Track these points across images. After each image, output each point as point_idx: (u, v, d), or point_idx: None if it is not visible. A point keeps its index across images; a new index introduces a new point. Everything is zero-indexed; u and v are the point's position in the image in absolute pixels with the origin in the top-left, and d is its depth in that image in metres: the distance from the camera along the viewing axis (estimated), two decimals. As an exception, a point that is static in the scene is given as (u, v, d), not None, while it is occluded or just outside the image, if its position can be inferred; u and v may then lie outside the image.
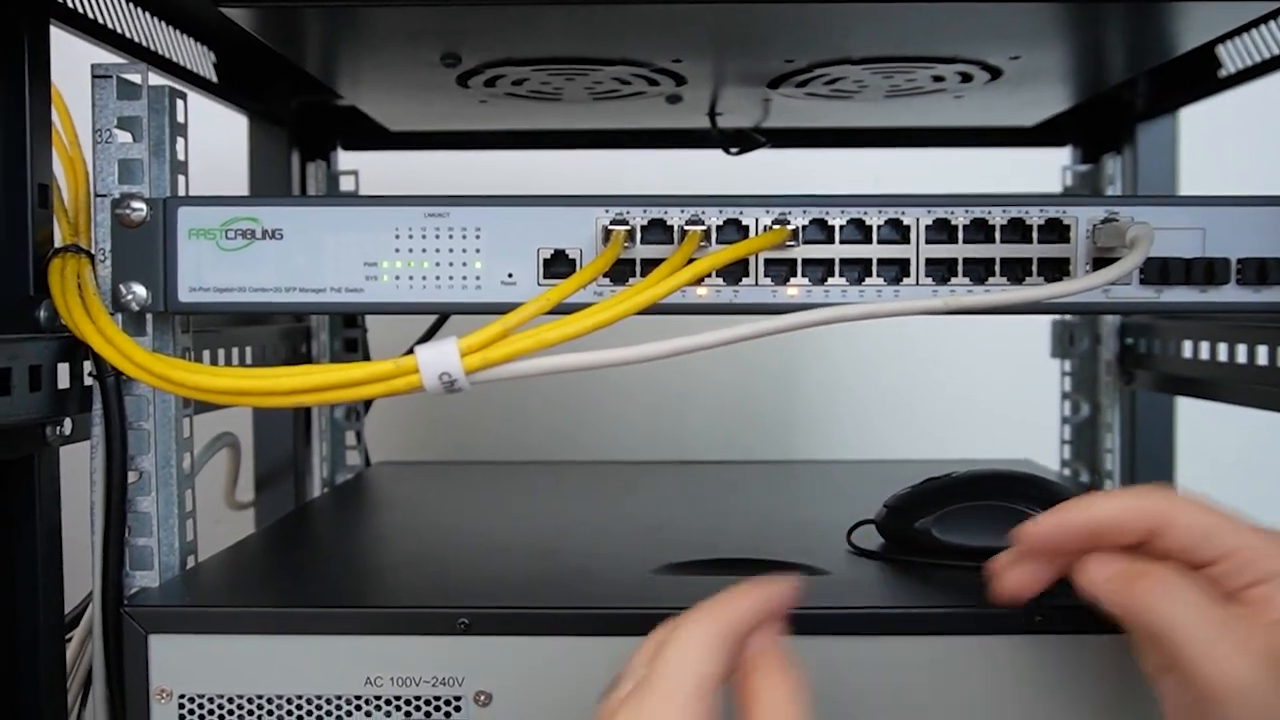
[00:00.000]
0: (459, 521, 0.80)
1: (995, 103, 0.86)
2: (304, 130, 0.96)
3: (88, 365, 0.58)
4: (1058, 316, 1.01)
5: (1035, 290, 0.56)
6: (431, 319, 0.94)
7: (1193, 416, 0.95)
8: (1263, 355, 0.72)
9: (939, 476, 0.67)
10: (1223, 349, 0.76)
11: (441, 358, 0.47)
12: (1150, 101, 0.91)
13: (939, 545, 0.64)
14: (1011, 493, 0.65)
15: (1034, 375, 1.06)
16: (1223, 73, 0.81)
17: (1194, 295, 0.58)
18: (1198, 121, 0.93)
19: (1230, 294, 0.58)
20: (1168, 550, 0.48)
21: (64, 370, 0.58)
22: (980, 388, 1.25)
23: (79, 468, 0.60)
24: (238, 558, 0.68)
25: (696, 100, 0.83)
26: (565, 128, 0.98)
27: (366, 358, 0.99)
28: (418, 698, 0.55)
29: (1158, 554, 0.48)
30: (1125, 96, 0.91)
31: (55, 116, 0.61)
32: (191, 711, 0.55)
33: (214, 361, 0.75)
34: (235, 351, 0.79)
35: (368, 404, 1.00)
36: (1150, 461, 0.92)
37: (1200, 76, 0.82)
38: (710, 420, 1.26)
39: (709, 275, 0.57)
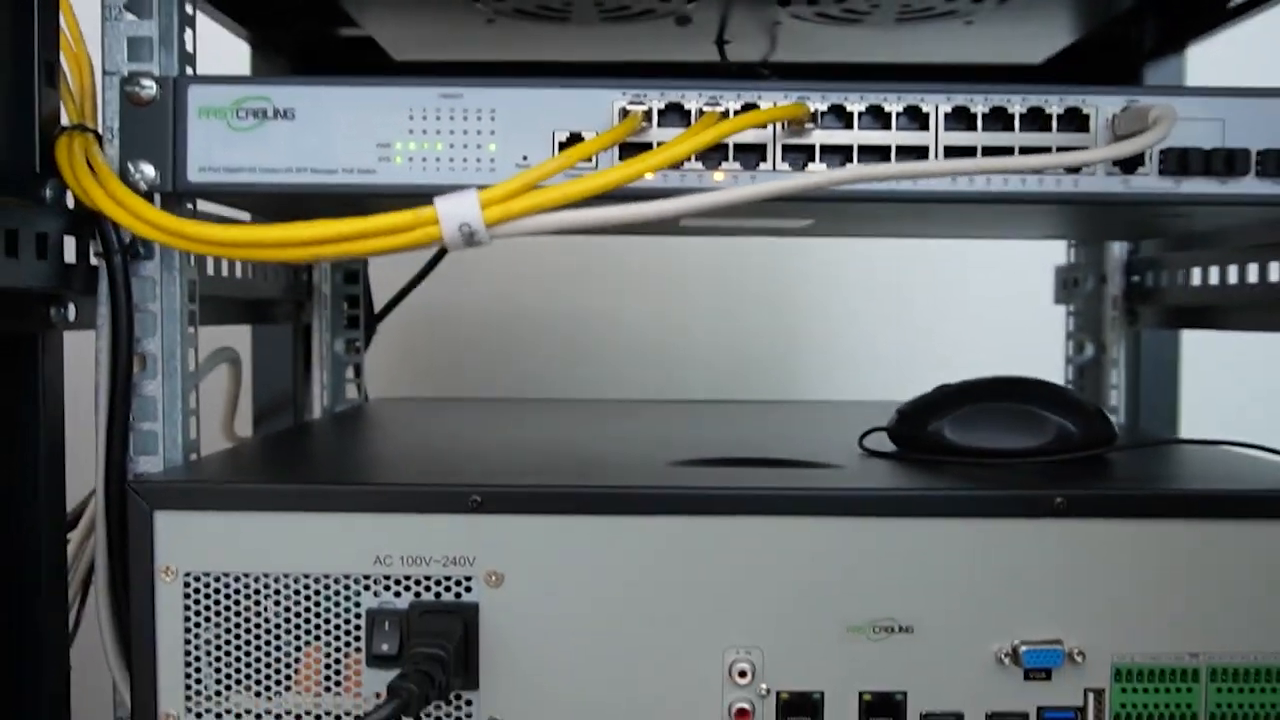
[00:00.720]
0: (469, 425, 0.79)
1: (1004, 33, 0.86)
2: (306, 61, 0.95)
3: (94, 247, 0.58)
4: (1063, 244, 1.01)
5: (1053, 158, 0.55)
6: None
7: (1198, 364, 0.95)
8: (1275, 272, 0.71)
9: (952, 383, 0.67)
10: (1233, 271, 0.76)
11: (462, 208, 0.47)
12: (1158, 37, 0.90)
13: (952, 446, 0.63)
14: (1025, 395, 0.64)
15: (1037, 323, 1.05)
16: (1232, 1, 0.81)
17: (1213, 187, 0.58)
18: (1204, 69, 0.93)
19: (1250, 185, 0.57)
20: None
21: (70, 247, 0.57)
22: (983, 335, 1.24)
23: (79, 383, 0.59)
24: (243, 452, 0.67)
25: (706, 22, 0.82)
26: (571, 59, 0.97)
27: (367, 290, 0.98)
28: (427, 578, 0.54)
29: None
30: (1133, 34, 0.91)
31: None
32: (196, 590, 0.54)
33: (216, 270, 0.74)
34: (238, 267, 0.78)
35: (369, 337, 0.99)
36: (1155, 398, 0.92)
37: (1208, 5, 0.82)
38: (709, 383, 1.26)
39: (727, 159, 0.56)
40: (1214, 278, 0.79)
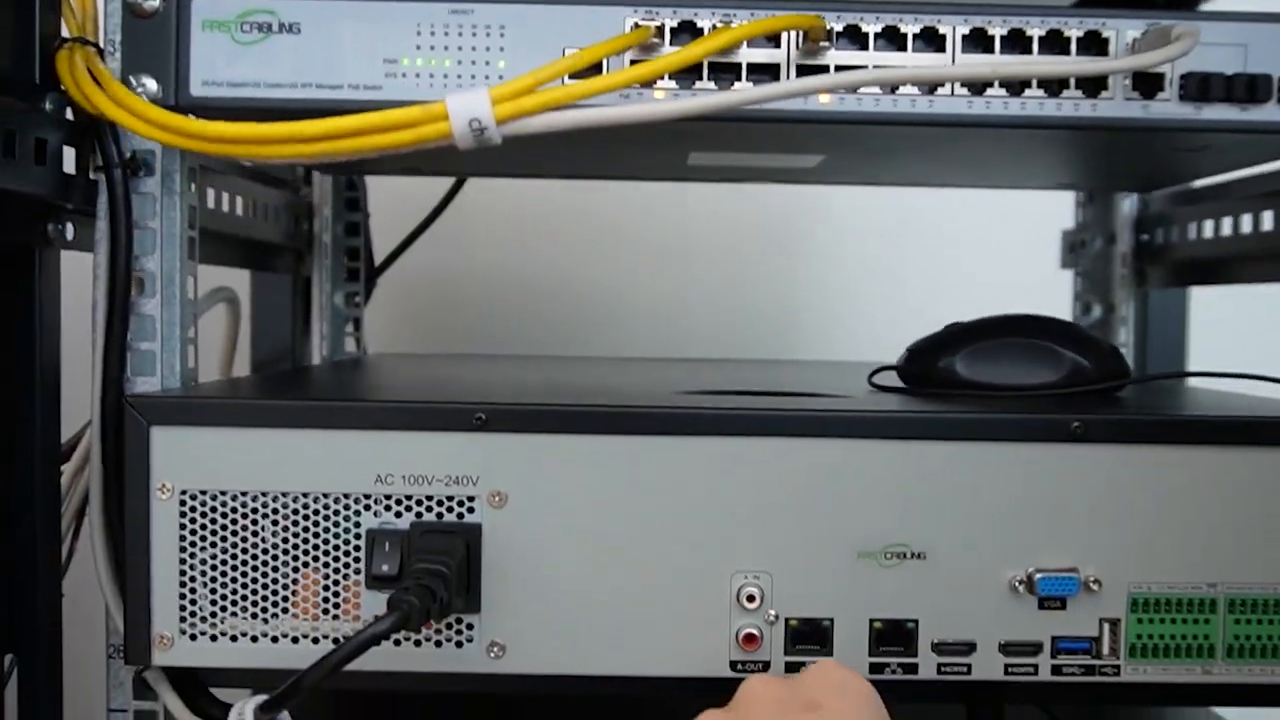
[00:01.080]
0: (473, 369, 0.78)
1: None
2: None
3: (94, 161, 0.56)
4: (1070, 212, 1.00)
5: (1072, 63, 0.54)
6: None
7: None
8: (1290, 217, 0.71)
9: (963, 321, 0.66)
10: (1246, 220, 0.75)
11: (472, 105, 0.46)
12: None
13: (965, 382, 0.62)
14: (1038, 331, 0.63)
15: (1043, 287, 1.04)
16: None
17: (1234, 114, 0.56)
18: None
19: (1272, 113, 0.56)
20: None
21: (70, 159, 0.56)
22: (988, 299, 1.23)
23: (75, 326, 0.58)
24: (241, 382, 0.66)
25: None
26: None
27: (368, 243, 0.97)
28: (429, 498, 0.53)
29: None
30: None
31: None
32: (193, 509, 0.53)
33: (216, 204, 0.73)
34: (239, 200, 0.77)
35: (369, 290, 0.97)
36: (1163, 358, 0.91)
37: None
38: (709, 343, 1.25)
39: (740, 80, 0.55)
40: (1226, 228, 0.78)
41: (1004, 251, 1.20)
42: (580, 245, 1.22)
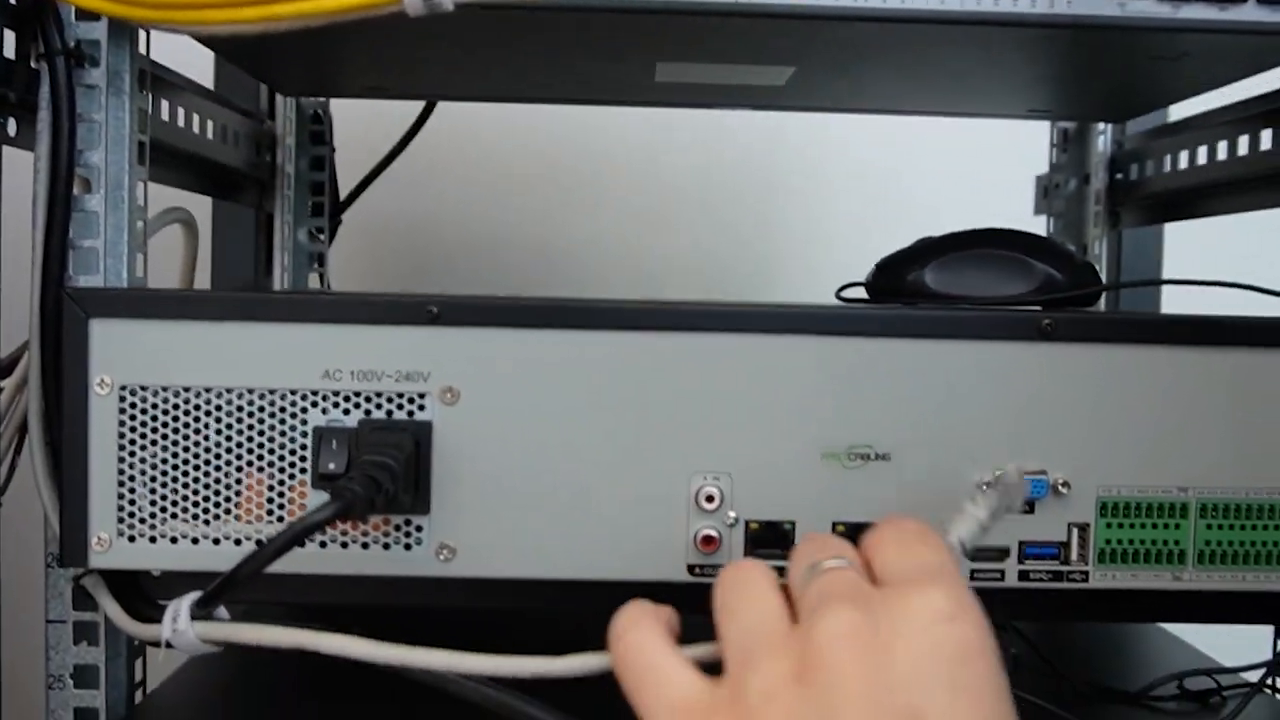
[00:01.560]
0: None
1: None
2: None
3: (35, 49, 0.54)
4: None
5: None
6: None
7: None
8: (1266, 139, 0.69)
9: (934, 235, 0.64)
10: (1222, 147, 0.74)
11: (420, -34, 0.44)
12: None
13: (932, 294, 0.60)
14: (1010, 243, 0.62)
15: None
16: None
17: (1212, 13, 0.55)
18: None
19: (1250, 12, 0.55)
20: None
21: (10, 43, 0.54)
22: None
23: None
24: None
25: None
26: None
27: (333, 176, 0.95)
28: (379, 394, 0.51)
29: None
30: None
31: None
32: (133, 405, 0.51)
33: (172, 117, 0.71)
34: (195, 119, 0.75)
35: (334, 227, 0.95)
36: (1137, 296, 0.90)
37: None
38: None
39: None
40: (1201, 157, 0.77)
41: (979, 201, 1.19)
42: (553, 192, 1.20)
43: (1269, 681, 0.64)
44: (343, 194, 0.96)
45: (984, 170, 1.15)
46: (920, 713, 0.33)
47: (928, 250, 0.62)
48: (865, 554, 0.39)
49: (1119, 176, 0.90)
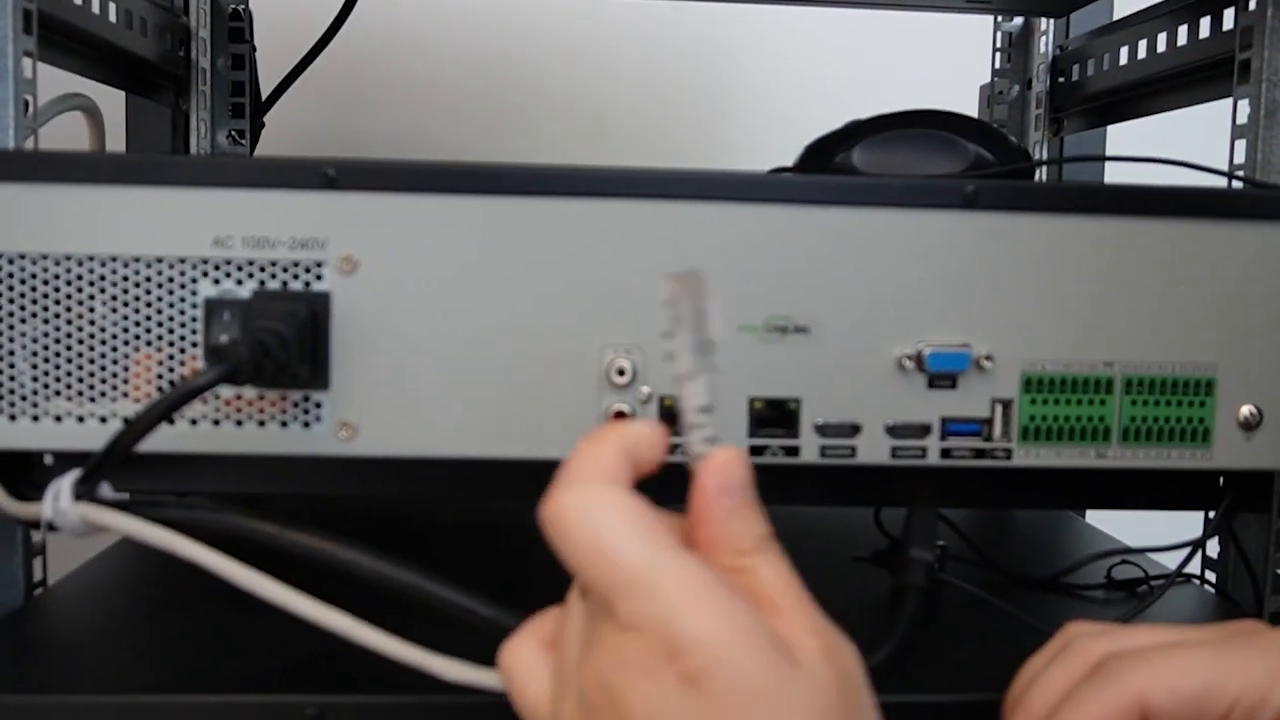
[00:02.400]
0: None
1: None
2: None
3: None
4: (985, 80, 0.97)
5: None
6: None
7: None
8: (1205, 28, 0.68)
9: (864, 117, 0.62)
10: (1161, 39, 0.72)
11: None
12: None
13: (861, 175, 0.59)
14: (940, 122, 0.60)
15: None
16: None
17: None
18: None
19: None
20: None
21: None
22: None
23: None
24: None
25: None
26: None
27: (254, 75, 0.91)
28: (273, 263, 0.48)
29: None
30: None
31: None
32: (10, 274, 0.48)
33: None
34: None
35: (255, 130, 0.92)
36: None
37: None
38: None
39: None
40: (1141, 51, 0.75)
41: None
42: (487, 95, 1.16)
43: (1193, 570, 0.64)
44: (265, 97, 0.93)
45: (927, 78, 1.13)
46: None
47: (856, 131, 0.60)
48: None
49: (1061, 80, 0.88)
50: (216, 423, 0.49)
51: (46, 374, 0.49)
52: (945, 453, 0.50)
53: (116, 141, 0.83)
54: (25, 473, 0.51)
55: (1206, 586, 0.63)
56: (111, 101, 0.85)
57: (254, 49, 0.91)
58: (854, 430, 0.50)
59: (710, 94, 1.20)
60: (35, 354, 0.49)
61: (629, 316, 0.49)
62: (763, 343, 0.49)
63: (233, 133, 0.91)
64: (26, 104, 0.56)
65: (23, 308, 0.48)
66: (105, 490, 0.47)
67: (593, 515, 0.33)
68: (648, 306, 0.49)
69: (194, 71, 0.87)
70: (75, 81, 0.72)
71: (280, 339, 0.45)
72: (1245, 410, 0.51)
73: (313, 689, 0.46)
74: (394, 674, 0.47)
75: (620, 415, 0.49)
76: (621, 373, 0.49)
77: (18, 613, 0.55)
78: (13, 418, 0.49)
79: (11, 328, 0.48)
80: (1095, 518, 0.81)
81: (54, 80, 0.69)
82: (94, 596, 0.58)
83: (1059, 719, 0.38)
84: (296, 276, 0.49)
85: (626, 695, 0.31)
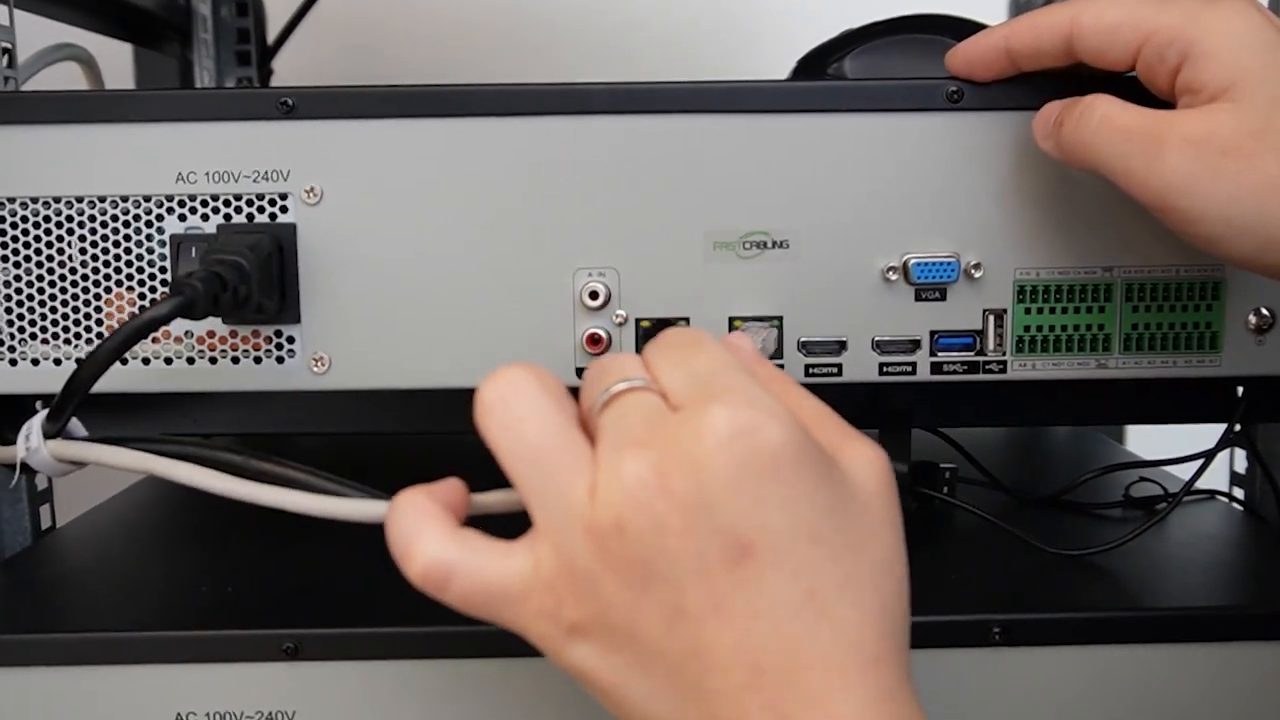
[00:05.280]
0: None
1: None
2: None
3: None
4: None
5: None
6: None
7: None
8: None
9: (857, 27, 0.59)
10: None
11: None
12: None
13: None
14: (936, 26, 0.57)
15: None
16: None
17: None
18: None
19: None
20: (1091, 61, 0.43)
21: None
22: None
23: None
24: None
25: None
26: None
27: (260, 20, 0.90)
28: (238, 196, 0.48)
29: (1090, 69, 0.44)
30: None
31: None
32: (-20, 218, 0.48)
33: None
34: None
35: (264, 76, 0.91)
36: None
37: None
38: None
39: None
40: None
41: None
42: (501, 41, 1.14)
43: (1220, 486, 0.61)
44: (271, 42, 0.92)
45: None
46: (748, 543, 0.31)
47: (849, 39, 0.58)
48: (651, 373, 0.35)
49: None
50: (191, 361, 0.49)
51: (21, 318, 0.49)
52: (936, 367, 0.48)
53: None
54: (12, 418, 0.52)
55: (1234, 505, 0.61)
56: (122, 56, 0.86)
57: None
58: (840, 347, 0.48)
59: (737, 27, 1.17)
60: (9, 298, 0.49)
61: (600, 237, 0.48)
62: (741, 259, 0.48)
63: (241, 80, 0.90)
64: (5, 52, 0.56)
65: (-8, 252, 0.48)
66: (76, 427, 0.47)
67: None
68: (619, 227, 0.47)
69: (195, 19, 0.86)
70: (80, 35, 0.72)
71: (239, 270, 0.44)
72: (1256, 313, 0.48)
73: (289, 623, 0.46)
74: (367, 609, 0.47)
75: (595, 340, 0.48)
76: (594, 295, 0.48)
77: (15, 557, 0.56)
78: (-10, 362, 0.49)
79: (-16, 272, 0.48)
80: (1136, 444, 0.79)
81: (60, 35, 0.69)
82: (87, 543, 0.59)
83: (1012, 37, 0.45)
84: (262, 209, 0.48)
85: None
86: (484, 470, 0.39)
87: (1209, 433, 0.54)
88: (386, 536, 0.35)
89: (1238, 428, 0.52)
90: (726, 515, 0.31)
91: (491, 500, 0.37)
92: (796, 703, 0.31)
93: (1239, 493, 0.61)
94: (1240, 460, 0.61)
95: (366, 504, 0.39)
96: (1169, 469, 0.61)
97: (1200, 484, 0.57)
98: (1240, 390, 0.52)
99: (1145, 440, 0.72)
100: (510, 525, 0.35)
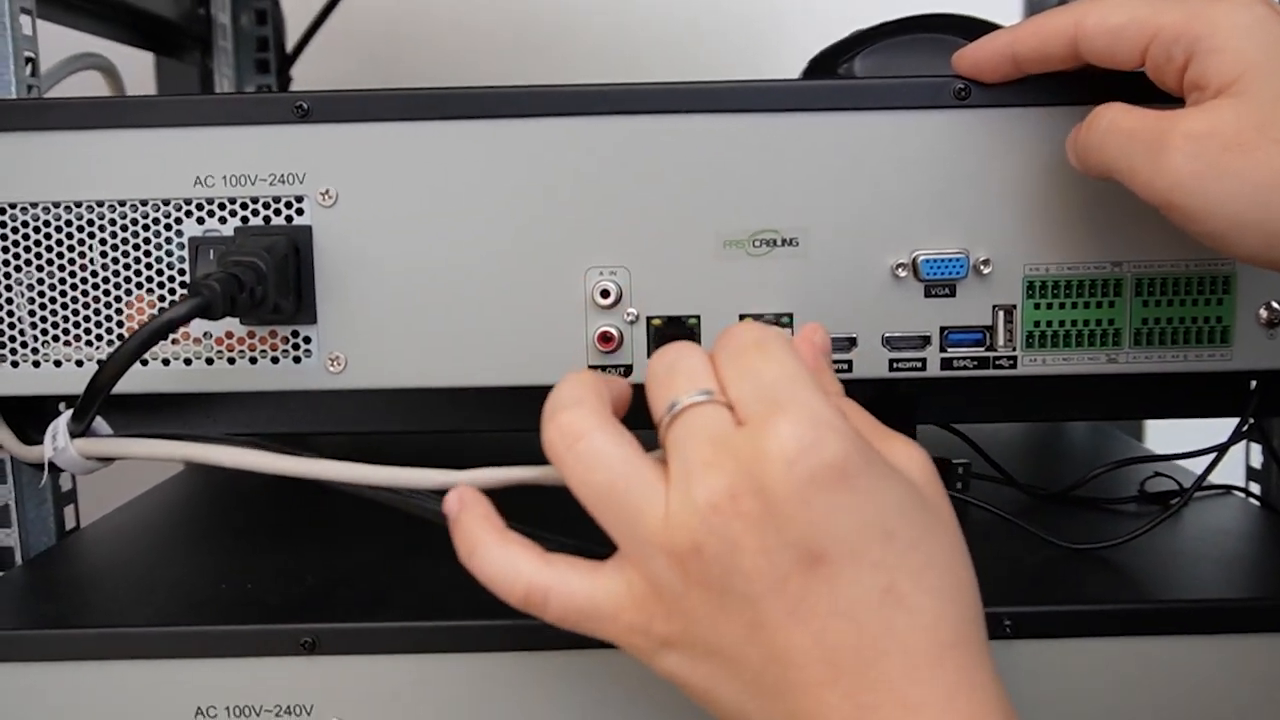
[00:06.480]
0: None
1: None
2: None
3: None
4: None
5: None
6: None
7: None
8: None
9: (867, 26, 0.60)
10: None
11: None
12: None
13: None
14: (946, 26, 0.57)
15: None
16: None
17: None
18: None
19: None
20: (1098, 63, 0.43)
21: None
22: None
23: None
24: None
25: None
26: None
27: (278, 28, 0.91)
28: (255, 199, 0.49)
29: (1098, 70, 0.44)
30: None
31: None
32: (3, 223, 0.49)
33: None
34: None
35: (283, 84, 0.92)
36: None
37: None
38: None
39: None
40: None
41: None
42: (519, 47, 1.15)
43: (1237, 481, 0.61)
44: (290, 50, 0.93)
45: None
46: (820, 552, 0.33)
47: (859, 39, 0.58)
48: (719, 378, 0.37)
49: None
50: (210, 361, 0.50)
51: (44, 320, 0.50)
52: (946, 363, 0.49)
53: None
54: (37, 419, 0.53)
55: (1250, 499, 0.61)
56: (144, 64, 0.87)
57: (276, 3, 0.92)
58: (850, 344, 0.49)
59: (751, 29, 1.18)
60: (32, 301, 0.49)
61: (612, 236, 0.48)
62: (751, 257, 0.48)
63: (261, 88, 0.91)
64: (29, 61, 0.57)
65: (16, 255, 0.49)
66: (100, 426, 0.48)
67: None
68: (630, 226, 0.48)
69: (214, 27, 0.87)
70: (103, 46, 0.73)
71: (255, 271, 0.45)
72: (1267, 307, 0.48)
73: (307, 619, 0.46)
74: (384, 604, 0.48)
75: (607, 338, 0.48)
76: (605, 294, 0.48)
77: (39, 556, 0.56)
78: (15, 364, 0.50)
79: (7, 275, 0.49)
80: (1155, 439, 0.79)
81: (83, 46, 0.70)
82: (108, 543, 0.60)
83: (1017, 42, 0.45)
84: (278, 212, 0.49)
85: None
86: (500, 464, 0.40)
87: (1229, 428, 0.54)
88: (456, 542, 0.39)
89: (1250, 422, 0.52)
90: (797, 530, 0.33)
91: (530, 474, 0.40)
92: (874, 691, 0.33)
93: (1255, 487, 0.61)
94: (1256, 455, 0.61)
95: (430, 473, 0.41)
96: (1185, 464, 0.61)
97: (1217, 479, 0.57)
98: (1254, 384, 0.52)
99: (1166, 436, 0.72)
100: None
